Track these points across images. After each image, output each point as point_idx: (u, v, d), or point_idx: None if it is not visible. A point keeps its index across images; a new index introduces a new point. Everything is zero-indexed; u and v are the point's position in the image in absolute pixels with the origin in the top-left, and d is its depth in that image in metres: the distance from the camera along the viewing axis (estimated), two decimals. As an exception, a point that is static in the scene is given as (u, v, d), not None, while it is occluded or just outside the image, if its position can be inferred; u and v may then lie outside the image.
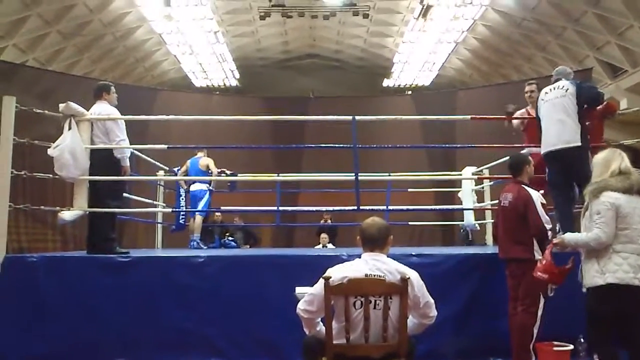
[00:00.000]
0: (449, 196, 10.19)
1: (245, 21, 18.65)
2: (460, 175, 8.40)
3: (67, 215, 5.14)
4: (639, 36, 14.03)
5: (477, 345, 4.43)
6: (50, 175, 5.32)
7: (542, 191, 4.88)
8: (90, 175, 5.14)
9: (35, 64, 15.42)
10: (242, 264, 4.80)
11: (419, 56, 20.24)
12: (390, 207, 7.79)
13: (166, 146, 6.44)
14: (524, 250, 4.09)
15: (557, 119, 4.83)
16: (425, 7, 16.12)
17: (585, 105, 4.84)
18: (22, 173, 5.21)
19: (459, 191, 8.58)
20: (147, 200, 7.75)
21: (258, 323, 4.47)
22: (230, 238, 10.16)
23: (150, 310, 4.50)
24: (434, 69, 21.46)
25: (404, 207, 8.91)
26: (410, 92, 21.63)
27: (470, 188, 8.12)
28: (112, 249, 5.00)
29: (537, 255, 4.01)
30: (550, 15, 15.69)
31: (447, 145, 12.09)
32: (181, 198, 8.27)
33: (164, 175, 8.20)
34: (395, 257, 3.21)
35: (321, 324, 3.14)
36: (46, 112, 5.38)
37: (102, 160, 5.17)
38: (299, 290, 3.41)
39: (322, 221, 10.94)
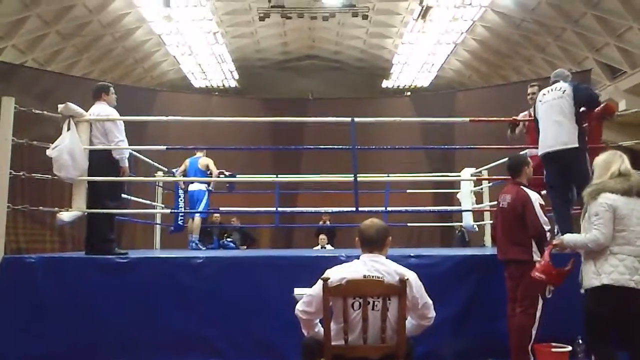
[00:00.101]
0: (448, 197, 10.19)
1: (245, 22, 18.66)
2: (459, 176, 8.40)
3: (65, 216, 5.14)
4: (637, 38, 14.05)
5: (475, 346, 4.43)
6: (49, 176, 5.31)
7: (544, 192, 4.91)
8: (89, 176, 5.14)
9: (35, 65, 15.42)
10: (240, 265, 4.80)
11: (418, 57, 20.26)
12: (389, 208, 7.79)
13: (165, 147, 6.45)
14: (523, 251, 4.10)
15: (554, 121, 4.85)
16: (424, 8, 16.13)
17: (582, 108, 4.85)
18: (21, 174, 5.20)
19: (457, 192, 8.58)
20: (145, 201, 7.75)
21: (257, 324, 4.47)
22: (229, 239, 10.16)
23: (148, 311, 4.50)
24: (433, 70, 21.48)
25: (403, 209, 8.91)
26: (409, 93, 21.64)
27: (469, 189, 8.12)
28: (111, 250, 5.00)
29: (536, 257, 4.02)
30: (550, 16, 15.71)
31: (446, 147, 12.10)
32: (180, 199, 8.26)
33: (163, 176, 8.19)
34: (393, 258, 3.22)
35: (320, 325, 3.13)
36: (45, 112, 5.37)
37: (101, 161, 5.17)
38: (297, 291, 3.41)
39: (320, 222, 10.94)
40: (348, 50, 21.94)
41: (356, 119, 5.52)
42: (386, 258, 3.13)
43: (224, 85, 22.63)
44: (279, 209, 8.43)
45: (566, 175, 4.84)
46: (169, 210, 8.27)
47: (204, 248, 8.22)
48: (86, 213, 5.19)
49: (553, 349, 4.08)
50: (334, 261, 3.85)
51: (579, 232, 3.57)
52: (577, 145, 4.74)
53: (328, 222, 10.96)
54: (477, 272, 4.69)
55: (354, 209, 5.67)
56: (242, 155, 12.52)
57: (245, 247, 10.52)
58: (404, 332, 2.98)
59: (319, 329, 3.13)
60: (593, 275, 3.37)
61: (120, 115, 5.37)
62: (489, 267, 4.60)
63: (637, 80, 14.85)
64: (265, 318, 4.44)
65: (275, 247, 13.10)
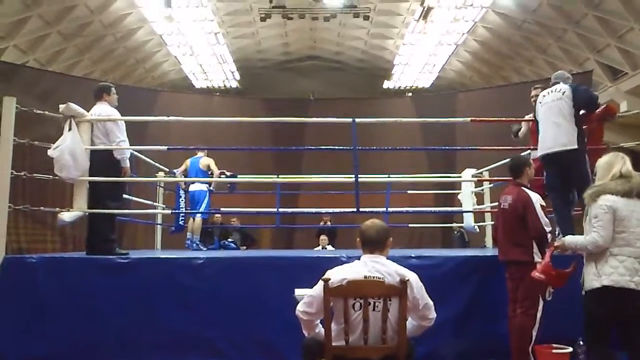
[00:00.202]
0: (449, 198, 10.19)
1: (246, 23, 18.67)
2: (460, 177, 8.40)
3: (66, 216, 5.14)
4: (639, 39, 14.04)
5: (476, 347, 4.43)
6: (50, 176, 5.31)
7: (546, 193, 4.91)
8: (90, 176, 5.14)
9: (36, 65, 15.43)
10: (241, 266, 4.80)
11: (419, 58, 20.27)
12: (390, 209, 7.79)
13: (166, 147, 6.45)
14: (524, 252, 4.10)
15: (553, 122, 4.85)
16: (425, 9, 16.13)
17: (582, 110, 4.85)
18: (22, 174, 5.20)
19: (458, 193, 8.58)
20: (146, 202, 7.76)
21: (257, 324, 4.47)
22: (229, 240, 10.16)
23: (149, 312, 4.50)
24: (434, 70, 21.49)
25: (404, 209, 8.91)
26: (410, 94, 21.64)
27: (470, 190, 8.12)
28: (112, 250, 5.00)
29: (537, 258, 4.02)
30: (551, 17, 15.71)
31: (447, 148, 12.10)
32: (181, 199, 8.26)
33: (164, 177, 8.19)
34: (394, 259, 3.21)
35: (320, 325, 3.13)
36: (46, 112, 5.37)
37: (102, 161, 5.17)
38: (298, 292, 3.41)
39: (321, 223, 10.94)
40: (349, 51, 21.95)
41: (357, 120, 5.52)
42: (387, 259, 3.12)
43: (225, 86, 22.65)
44: (280, 209, 8.43)
45: (566, 177, 4.84)
46: (170, 211, 8.28)
47: (204, 248, 8.22)
48: (87, 213, 5.19)
49: (554, 350, 4.08)
50: (335, 262, 3.84)
51: (581, 233, 3.57)
52: (576, 146, 4.74)
53: (329, 223, 10.96)
54: (478, 273, 4.68)
55: (354, 209, 5.67)
56: (243, 155, 12.55)
57: (245, 247, 10.53)
58: (404, 333, 2.98)
59: (320, 329, 3.13)
60: (593, 277, 3.38)
61: (122, 116, 5.37)
62: (490, 268, 4.59)
63: (639, 81, 14.85)
64: (266, 318, 4.44)
65: (276, 247, 13.12)
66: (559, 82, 5.04)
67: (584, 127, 4.94)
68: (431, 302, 3.11)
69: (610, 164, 3.51)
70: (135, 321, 4.45)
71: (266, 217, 10.87)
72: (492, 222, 6.24)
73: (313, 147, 11.03)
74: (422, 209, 9.94)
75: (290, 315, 3.22)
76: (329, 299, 2.96)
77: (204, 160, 8.10)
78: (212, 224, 9.85)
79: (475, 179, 8.05)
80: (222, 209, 9.44)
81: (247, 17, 18.17)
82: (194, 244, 7.98)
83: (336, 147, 6.42)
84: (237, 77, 22.15)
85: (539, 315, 4.01)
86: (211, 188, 8.24)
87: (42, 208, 6.06)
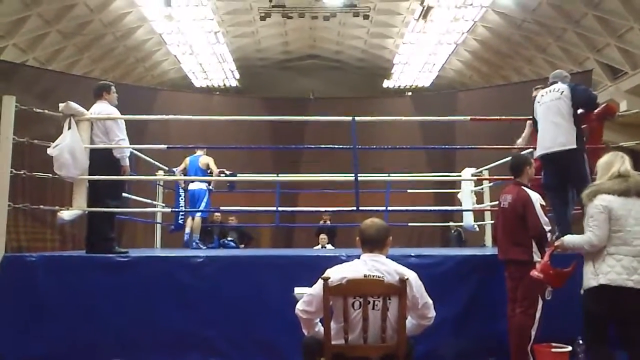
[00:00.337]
0: (449, 197, 10.20)
1: (246, 22, 18.67)
2: (460, 176, 8.40)
3: (66, 214, 5.14)
4: (638, 38, 14.05)
5: (475, 346, 4.43)
6: (50, 175, 5.31)
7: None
8: (89, 174, 5.14)
9: (35, 64, 15.44)
10: (241, 265, 4.80)
11: (419, 57, 20.27)
12: (390, 208, 7.79)
13: (166, 146, 6.44)
14: (523, 251, 4.09)
15: (552, 122, 4.84)
16: (425, 9, 16.13)
17: (580, 109, 4.85)
18: (22, 172, 5.20)
19: (458, 192, 8.58)
20: (146, 200, 7.76)
21: (257, 323, 4.47)
22: (229, 238, 10.16)
23: (149, 311, 4.49)
24: (434, 70, 21.49)
25: (404, 208, 8.91)
26: (410, 93, 21.65)
27: (470, 189, 8.12)
28: (111, 249, 5.00)
29: (536, 257, 4.01)
30: (551, 17, 15.71)
31: (447, 147, 12.09)
32: (180, 198, 8.26)
33: (164, 175, 8.19)
34: (394, 258, 3.22)
35: (320, 324, 3.13)
36: (46, 111, 5.38)
37: (102, 159, 5.17)
38: (297, 290, 3.41)
39: (321, 222, 10.94)
40: (349, 50, 21.95)
41: (357, 118, 5.52)
42: (386, 258, 3.13)
43: (224, 85, 22.64)
44: (280, 208, 8.43)
45: (565, 177, 4.83)
46: (169, 209, 8.27)
47: (204, 247, 8.21)
48: (87, 212, 5.19)
49: (553, 349, 4.08)
50: (335, 261, 3.85)
51: (580, 232, 3.58)
52: (575, 146, 4.73)
53: (328, 222, 10.96)
54: (477, 272, 4.68)
55: (354, 208, 5.67)
56: (243, 154, 12.54)
57: (243, 245, 10.52)
58: (404, 332, 2.98)
59: (319, 328, 3.12)
60: (591, 276, 3.40)
61: (121, 114, 5.37)
62: (489, 267, 4.59)
63: (638, 80, 14.86)
64: (266, 317, 4.44)
65: (276, 246, 13.11)
66: (557, 82, 5.02)
67: (583, 126, 4.94)
68: (430, 301, 3.11)
69: (610, 164, 3.52)
70: (135, 320, 4.44)
71: (266, 216, 10.87)
72: (492, 221, 6.25)
73: (313, 146, 11.01)
74: (422, 208, 9.93)
75: (289, 314, 3.22)
76: (328, 297, 2.97)
77: (203, 159, 8.09)
78: (211, 223, 9.85)
79: (475, 178, 8.05)
80: (221, 207, 9.44)
81: (247, 16, 18.17)
82: (194, 243, 7.98)
83: (336, 146, 6.42)
84: (237, 76, 22.15)
85: (538, 314, 4.00)
86: (210, 187, 8.23)
87: (41, 207, 6.06)
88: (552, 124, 4.84)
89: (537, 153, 5.02)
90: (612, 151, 3.75)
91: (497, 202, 4.60)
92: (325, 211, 10.06)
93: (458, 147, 11.96)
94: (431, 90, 21.82)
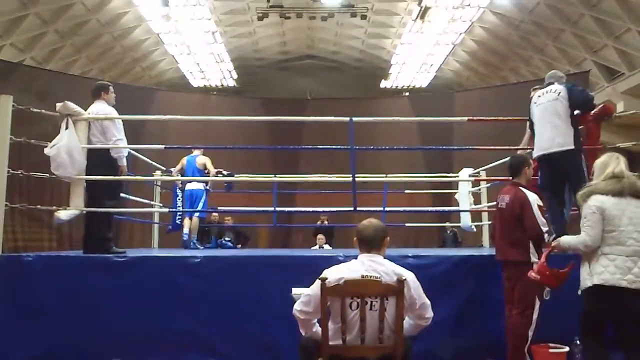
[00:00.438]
0: (446, 198, 10.21)
1: (243, 22, 18.66)
2: (457, 177, 8.41)
3: (63, 214, 5.13)
4: (636, 39, 14.09)
5: (472, 346, 4.43)
6: (47, 175, 5.30)
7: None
8: (87, 174, 5.12)
9: (33, 63, 15.41)
10: (238, 265, 4.79)
11: (417, 58, 20.29)
12: (387, 209, 7.79)
13: (163, 146, 6.44)
14: (520, 252, 4.09)
15: (549, 123, 4.83)
16: (423, 9, 16.16)
17: (577, 110, 4.85)
18: (19, 172, 5.19)
19: (455, 193, 8.58)
20: (143, 200, 7.74)
21: (255, 323, 4.46)
22: (227, 239, 10.16)
23: (146, 311, 4.48)
24: (432, 70, 21.51)
25: (401, 209, 8.91)
26: (407, 94, 21.67)
27: (467, 190, 8.12)
28: (109, 249, 4.99)
29: (534, 258, 4.01)
30: (548, 17, 15.74)
31: (444, 147, 12.11)
32: (178, 198, 8.25)
33: (161, 175, 8.18)
34: (391, 258, 3.22)
35: (317, 324, 3.13)
36: (43, 111, 5.36)
37: (99, 159, 5.15)
38: (295, 291, 3.41)
39: (319, 222, 10.95)
40: (347, 50, 21.95)
41: (354, 119, 5.52)
42: (384, 258, 3.13)
43: (222, 85, 22.62)
44: (277, 208, 8.43)
45: (562, 177, 4.84)
46: (167, 209, 8.26)
47: (202, 247, 8.21)
48: (84, 212, 5.18)
49: (550, 350, 4.09)
50: (332, 261, 3.84)
51: (578, 233, 3.59)
52: (572, 147, 4.73)
53: (326, 222, 10.97)
54: (475, 273, 4.68)
55: (352, 208, 5.67)
56: (240, 154, 12.54)
57: (239, 245, 10.52)
58: (401, 332, 2.98)
59: (317, 328, 3.12)
60: (587, 276, 3.42)
61: (119, 114, 5.36)
62: (486, 268, 4.59)
63: (635, 81, 14.89)
64: (264, 318, 4.43)
65: (273, 246, 13.12)
66: (553, 83, 5.03)
67: (580, 127, 4.94)
68: (428, 302, 3.11)
69: (605, 164, 3.54)
70: (133, 320, 4.43)
71: (263, 216, 10.87)
72: (489, 222, 6.25)
73: (310, 147, 11.03)
74: (419, 209, 9.95)
75: (287, 314, 3.22)
76: (326, 298, 2.96)
77: (200, 159, 8.08)
78: (209, 223, 9.84)
79: (472, 178, 8.06)
80: (218, 208, 9.43)
81: (245, 16, 18.16)
82: (192, 242, 7.97)
83: (333, 147, 6.41)
84: (235, 76, 22.14)
85: (535, 315, 4.00)
86: (208, 187, 8.22)
87: (38, 206, 6.06)
88: (550, 125, 4.84)
89: (535, 154, 5.02)
90: (608, 152, 3.76)
91: (494, 203, 4.60)
92: (323, 211, 10.07)
93: (455, 147, 11.99)
94: (429, 91, 21.85)
